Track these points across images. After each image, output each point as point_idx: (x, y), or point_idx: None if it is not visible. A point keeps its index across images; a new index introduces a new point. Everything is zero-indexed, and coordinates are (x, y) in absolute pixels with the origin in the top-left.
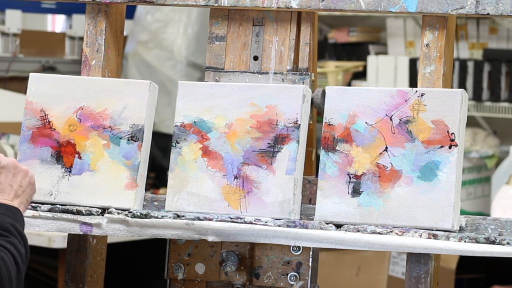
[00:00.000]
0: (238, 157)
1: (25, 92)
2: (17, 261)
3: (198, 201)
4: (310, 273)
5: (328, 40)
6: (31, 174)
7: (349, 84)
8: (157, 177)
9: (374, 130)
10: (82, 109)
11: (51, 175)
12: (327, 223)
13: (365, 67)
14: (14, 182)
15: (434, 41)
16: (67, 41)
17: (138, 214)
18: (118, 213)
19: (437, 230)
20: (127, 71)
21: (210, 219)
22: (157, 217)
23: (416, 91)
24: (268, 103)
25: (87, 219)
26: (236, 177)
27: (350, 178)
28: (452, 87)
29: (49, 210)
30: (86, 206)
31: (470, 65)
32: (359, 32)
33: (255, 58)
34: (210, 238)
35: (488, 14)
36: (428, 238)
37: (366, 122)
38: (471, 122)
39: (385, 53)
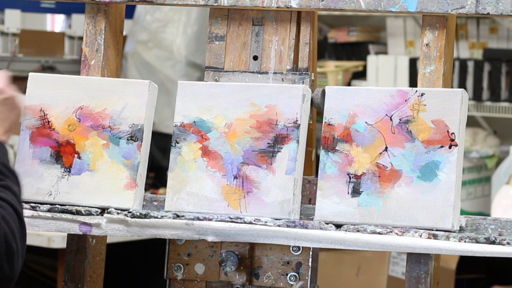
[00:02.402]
0: (238, 157)
1: (24, 92)
2: (16, 208)
3: (198, 201)
4: (310, 273)
5: (328, 40)
6: (9, 95)
7: (349, 84)
8: (156, 177)
9: (374, 130)
10: (81, 109)
11: (51, 175)
12: (327, 223)
13: (365, 67)
14: (9, 117)
15: (434, 40)
16: (67, 40)
17: (138, 214)
18: (118, 213)
19: (437, 230)
20: (126, 71)
21: (210, 219)
22: (156, 217)
23: (416, 91)
24: (267, 103)
25: (86, 219)
26: (235, 177)
27: (350, 178)
28: (452, 87)
29: (49, 210)
30: (85, 206)
31: (470, 65)
32: (359, 32)
33: (255, 57)
34: (210, 238)
35: (488, 13)
36: (428, 238)
37: (366, 122)
38: (471, 122)
39: (385, 52)
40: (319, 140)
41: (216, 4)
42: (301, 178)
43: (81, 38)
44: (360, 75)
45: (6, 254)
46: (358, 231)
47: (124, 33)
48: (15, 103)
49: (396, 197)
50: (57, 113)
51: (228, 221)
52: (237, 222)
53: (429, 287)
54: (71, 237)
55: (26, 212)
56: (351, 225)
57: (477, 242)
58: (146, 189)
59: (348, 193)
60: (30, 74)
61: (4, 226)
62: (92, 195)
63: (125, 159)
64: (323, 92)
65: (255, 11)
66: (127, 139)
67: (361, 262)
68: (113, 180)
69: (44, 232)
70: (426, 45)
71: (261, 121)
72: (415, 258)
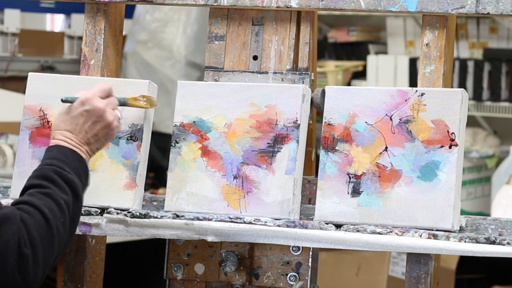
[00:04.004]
0: (238, 157)
1: (24, 92)
2: (46, 216)
3: (198, 201)
4: (309, 273)
5: (327, 40)
6: (114, 126)
7: (349, 84)
8: (156, 177)
9: (374, 130)
10: None
11: None
12: (326, 223)
13: (365, 67)
14: (91, 129)
15: (434, 40)
16: (66, 40)
17: (137, 214)
18: (117, 213)
19: (437, 230)
20: (126, 71)
21: (210, 219)
22: (156, 217)
23: (416, 91)
24: (267, 103)
25: (86, 219)
26: (235, 177)
27: (350, 178)
28: (452, 87)
29: None
30: (85, 206)
31: (470, 65)
32: (359, 32)
33: (255, 57)
34: (210, 238)
35: (488, 13)
36: (428, 238)
37: (366, 122)
38: (471, 122)
39: (385, 52)
40: (319, 140)
41: (216, 4)
42: (301, 178)
43: (80, 38)
44: (360, 75)
45: (18, 261)
46: (358, 231)
47: (124, 33)
48: (101, 117)
49: (396, 197)
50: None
51: (228, 221)
52: (237, 222)
53: (429, 287)
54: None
55: None
56: (351, 225)
57: (477, 242)
58: (145, 189)
59: (348, 193)
60: (30, 74)
61: (21, 230)
62: (91, 195)
63: (125, 159)
64: (323, 92)
65: (255, 11)
66: (127, 139)
67: (361, 262)
68: (112, 180)
69: None
70: (426, 45)
71: (261, 121)
72: (415, 258)
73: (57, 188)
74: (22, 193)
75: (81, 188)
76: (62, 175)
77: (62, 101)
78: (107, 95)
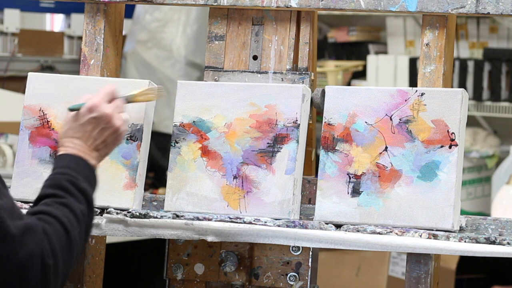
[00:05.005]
0: (238, 157)
1: (23, 92)
2: (66, 227)
3: (197, 201)
4: (309, 273)
5: (327, 40)
6: (121, 131)
7: (348, 84)
8: (156, 177)
9: (374, 130)
10: None
11: None
12: (326, 223)
13: (365, 67)
14: (100, 136)
15: (434, 40)
16: (66, 40)
17: (137, 214)
18: (117, 213)
19: (437, 230)
20: (126, 71)
21: (209, 219)
22: (156, 217)
23: (416, 91)
24: (267, 103)
25: None
26: (235, 177)
27: (349, 178)
28: (452, 87)
29: None
30: None
31: (470, 65)
32: (359, 32)
33: (255, 57)
34: (210, 238)
35: (488, 13)
36: (428, 238)
37: (366, 122)
38: (471, 122)
39: (385, 52)
40: (319, 140)
41: (215, 3)
42: (301, 178)
43: (80, 38)
44: (360, 75)
45: (41, 271)
46: (358, 231)
47: (124, 32)
48: (109, 123)
49: (396, 197)
50: (56, 113)
51: (227, 221)
52: (236, 222)
53: (429, 287)
54: None
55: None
56: (351, 225)
57: (477, 242)
58: (145, 189)
59: (348, 193)
60: (29, 74)
61: (44, 240)
62: None
63: (125, 159)
64: (323, 92)
65: (255, 10)
66: (127, 139)
67: (361, 262)
68: (112, 180)
69: None
70: (426, 45)
71: (260, 121)
72: (415, 258)
73: (72, 198)
74: (36, 202)
75: (93, 197)
76: (76, 185)
77: (70, 110)
78: (113, 98)
